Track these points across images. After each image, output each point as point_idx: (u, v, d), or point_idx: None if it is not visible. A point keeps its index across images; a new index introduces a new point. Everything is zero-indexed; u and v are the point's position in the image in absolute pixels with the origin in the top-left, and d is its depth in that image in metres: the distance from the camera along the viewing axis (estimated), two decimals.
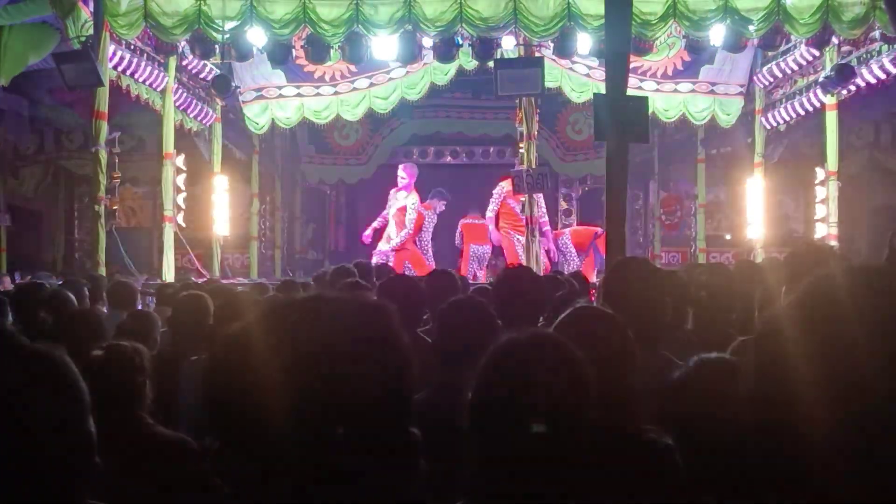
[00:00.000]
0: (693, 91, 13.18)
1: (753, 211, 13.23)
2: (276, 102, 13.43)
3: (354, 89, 13.22)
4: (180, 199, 12.24)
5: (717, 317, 4.11)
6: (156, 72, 11.17)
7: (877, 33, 10.51)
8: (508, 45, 11.10)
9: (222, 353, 1.11)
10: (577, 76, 12.52)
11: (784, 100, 12.61)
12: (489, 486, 1.65)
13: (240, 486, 1.07)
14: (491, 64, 10.84)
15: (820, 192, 12.02)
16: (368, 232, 12.81)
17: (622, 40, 6.66)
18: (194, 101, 12.53)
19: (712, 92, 13.23)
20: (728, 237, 15.18)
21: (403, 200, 12.38)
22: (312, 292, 1.19)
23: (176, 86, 11.68)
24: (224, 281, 9.85)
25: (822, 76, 11.30)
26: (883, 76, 10.59)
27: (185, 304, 4.58)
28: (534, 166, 11.07)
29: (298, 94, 13.38)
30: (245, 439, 1.05)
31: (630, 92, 6.92)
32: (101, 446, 1.23)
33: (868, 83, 10.83)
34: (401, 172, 12.60)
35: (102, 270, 9.56)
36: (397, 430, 1.11)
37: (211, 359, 1.11)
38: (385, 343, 1.10)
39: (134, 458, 2.78)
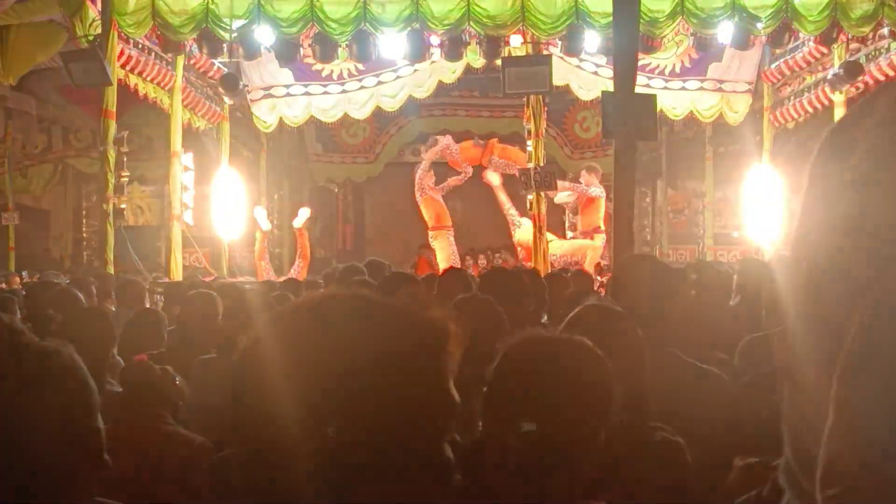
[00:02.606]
0: (701, 89, 13.14)
1: (761, 208, 13.17)
2: (283, 101, 13.43)
3: (362, 87, 13.21)
4: (188, 197, 12.26)
5: (716, 313, 4.10)
6: (164, 70, 11.18)
7: (885, 30, 10.46)
8: (516, 43, 11.07)
9: (250, 353, 1.07)
10: (585, 74, 12.49)
11: (792, 97, 12.57)
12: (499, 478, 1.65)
13: (264, 492, 1.03)
14: (499, 62, 10.82)
15: None
16: None
17: (630, 38, 6.65)
18: (202, 100, 12.54)
19: (720, 89, 13.18)
20: (736, 235, 15.13)
21: None
22: (356, 291, 1.13)
23: (184, 84, 11.69)
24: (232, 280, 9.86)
25: (830, 73, 11.25)
26: (891, 73, 10.54)
27: (194, 302, 4.58)
28: (541, 164, 11.04)
29: (306, 93, 13.38)
30: (273, 445, 1.01)
31: (638, 90, 6.89)
32: (124, 443, 1.22)
33: (877, 80, 10.77)
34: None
35: (111, 269, 9.59)
36: (434, 447, 1.07)
37: (239, 358, 1.08)
38: (431, 364, 1.06)
39: (155, 457, 2.80)
